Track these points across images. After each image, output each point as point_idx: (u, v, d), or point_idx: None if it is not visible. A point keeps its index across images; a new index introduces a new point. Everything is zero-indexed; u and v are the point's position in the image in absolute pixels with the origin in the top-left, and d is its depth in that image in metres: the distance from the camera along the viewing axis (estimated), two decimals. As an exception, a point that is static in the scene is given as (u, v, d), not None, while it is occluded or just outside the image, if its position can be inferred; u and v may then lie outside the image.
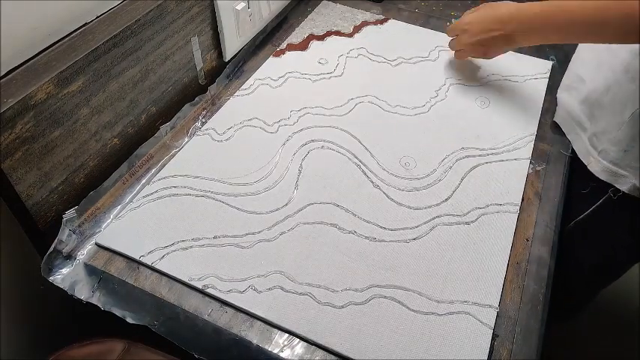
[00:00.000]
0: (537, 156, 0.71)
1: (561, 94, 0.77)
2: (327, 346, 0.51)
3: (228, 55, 0.81)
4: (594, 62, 0.70)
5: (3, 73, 0.51)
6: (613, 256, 0.80)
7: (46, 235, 0.57)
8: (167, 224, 0.60)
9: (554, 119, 0.76)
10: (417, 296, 0.55)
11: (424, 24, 0.94)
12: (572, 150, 0.72)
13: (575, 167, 0.71)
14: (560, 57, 0.86)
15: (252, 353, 0.51)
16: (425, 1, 1.01)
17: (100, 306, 0.53)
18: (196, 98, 0.76)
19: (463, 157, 0.70)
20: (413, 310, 0.54)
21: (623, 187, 0.66)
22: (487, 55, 0.77)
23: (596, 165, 0.67)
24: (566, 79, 0.77)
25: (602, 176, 0.67)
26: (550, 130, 0.76)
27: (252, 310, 0.53)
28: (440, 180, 0.67)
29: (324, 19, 0.94)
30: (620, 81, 0.63)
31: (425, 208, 0.64)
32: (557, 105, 0.77)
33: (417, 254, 0.59)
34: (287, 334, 0.52)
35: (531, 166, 0.70)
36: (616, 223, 0.72)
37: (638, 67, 0.61)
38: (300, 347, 0.51)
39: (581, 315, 0.97)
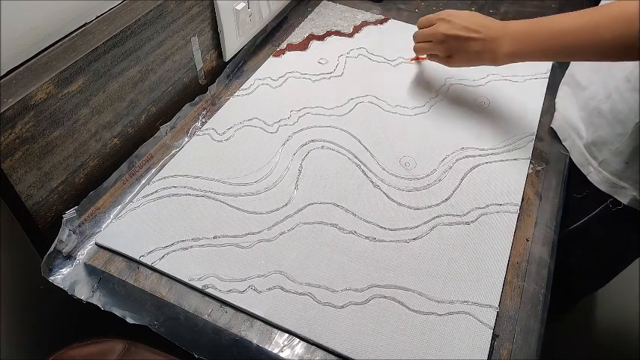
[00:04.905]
0: (537, 156, 0.71)
1: (559, 100, 0.76)
2: (327, 346, 0.51)
3: (228, 55, 0.81)
4: (592, 67, 0.69)
5: (3, 73, 0.51)
6: (605, 264, 0.80)
7: (46, 235, 0.57)
8: (167, 224, 0.60)
9: (551, 125, 0.75)
10: (417, 296, 0.55)
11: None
12: None
13: (571, 171, 0.71)
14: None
15: (252, 353, 0.51)
16: (425, 1, 1.01)
17: (100, 306, 0.53)
18: (196, 98, 0.76)
19: (463, 157, 0.70)
20: (413, 310, 0.54)
21: (624, 199, 0.65)
22: (450, 61, 0.69)
23: (597, 175, 0.67)
24: (564, 83, 0.77)
25: (602, 187, 0.67)
26: (550, 130, 0.75)
27: (252, 310, 0.53)
28: (440, 180, 0.67)
29: (324, 19, 0.94)
30: (621, 89, 0.62)
31: (425, 208, 0.64)
32: (555, 110, 0.76)
33: (417, 254, 0.59)
34: (287, 334, 0.52)
35: (531, 166, 0.70)
36: (612, 234, 0.72)
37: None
38: (300, 347, 0.51)
39: (568, 316, 0.97)
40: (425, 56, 0.76)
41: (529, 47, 0.61)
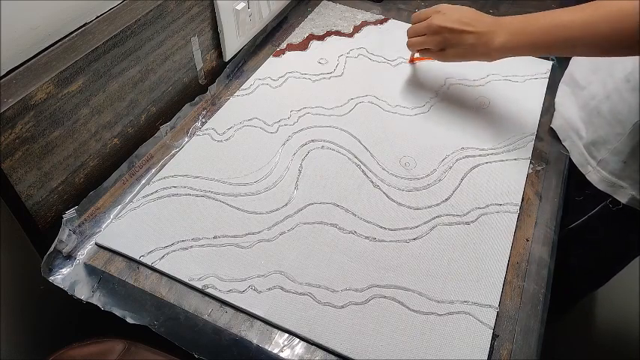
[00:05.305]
0: (537, 156, 0.71)
1: (559, 100, 0.76)
2: (327, 346, 0.51)
3: (228, 55, 0.81)
4: (591, 66, 0.69)
5: (3, 73, 0.51)
6: (605, 264, 0.80)
7: (46, 235, 0.57)
8: (167, 224, 0.60)
9: (551, 125, 0.75)
10: (417, 296, 0.55)
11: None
12: None
13: (571, 171, 0.71)
14: (560, 57, 0.86)
15: (252, 353, 0.51)
16: (425, 1, 1.01)
17: (100, 306, 0.53)
18: (196, 98, 0.76)
19: (463, 157, 0.70)
20: (413, 310, 0.54)
21: (623, 198, 0.65)
22: (443, 54, 0.69)
23: (595, 175, 0.67)
24: (564, 83, 0.77)
25: (600, 186, 0.67)
26: (550, 130, 0.75)
27: (252, 310, 0.53)
28: (440, 180, 0.67)
29: (324, 19, 0.94)
30: (621, 89, 0.62)
31: (425, 208, 0.64)
32: (555, 110, 0.76)
33: (417, 254, 0.59)
34: (287, 334, 0.52)
35: (531, 166, 0.70)
36: (611, 233, 0.72)
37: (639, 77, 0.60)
38: (300, 347, 0.51)
39: (568, 316, 0.97)
40: (423, 56, 0.76)
41: (522, 41, 0.61)
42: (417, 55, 0.82)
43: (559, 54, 0.62)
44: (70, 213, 0.58)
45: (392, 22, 0.94)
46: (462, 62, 0.69)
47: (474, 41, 0.64)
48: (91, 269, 0.57)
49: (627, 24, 0.52)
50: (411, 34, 0.74)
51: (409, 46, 0.75)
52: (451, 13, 0.67)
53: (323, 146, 0.70)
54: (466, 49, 0.66)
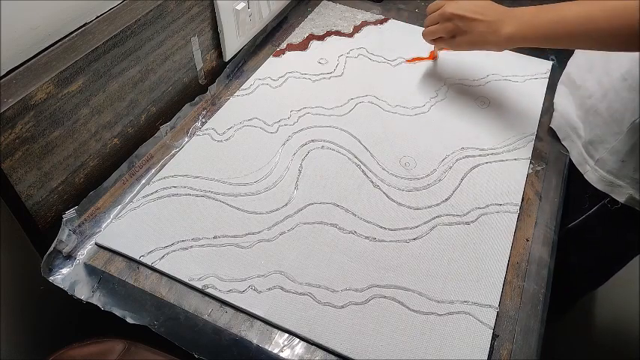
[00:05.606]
0: (537, 156, 0.71)
1: (557, 99, 0.76)
2: (327, 346, 0.51)
3: (228, 55, 0.81)
4: (587, 66, 0.69)
5: (3, 73, 0.51)
6: (604, 263, 0.80)
7: (46, 235, 0.57)
8: (167, 224, 0.60)
9: (550, 125, 0.75)
10: (417, 296, 0.55)
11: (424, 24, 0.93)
12: None
13: (571, 171, 0.71)
14: (561, 57, 0.86)
15: (252, 353, 0.51)
16: (425, 1, 1.01)
17: (100, 306, 0.53)
18: (196, 98, 0.76)
19: (463, 157, 0.70)
20: (413, 310, 0.54)
21: (621, 198, 0.65)
22: (454, 42, 0.70)
23: (593, 174, 0.67)
24: (562, 83, 0.77)
25: (598, 186, 0.67)
26: (550, 130, 0.75)
27: (252, 310, 0.53)
28: (440, 180, 0.67)
29: (324, 19, 0.94)
30: (618, 88, 0.62)
31: (425, 208, 0.64)
32: (554, 110, 0.77)
33: (417, 254, 0.59)
34: (287, 334, 0.52)
35: (531, 166, 0.70)
36: (610, 233, 0.72)
37: (639, 75, 0.60)
38: (300, 347, 0.51)
39: (568, 316, 0.97)
40: (437, 46, 0.76)
41: (530, 31, 0.62)
42: (433, 50, 0.83)
43: (566, 46, 0.63)
44: (70, 213, 0.58)
45: (392, 22, 0.94)
46: (470, 53, 0.70)
47: (484, 29, 0.65)
48: (91, 269, 0.57)
49: (625, 20, 0.53)
50: (426, 24, 0.75)
51: (424, 35, 0.75)
52: (463, 2, 0.68)
53: (323, 146, 0.70)
54: (476, 37, 0.67)
